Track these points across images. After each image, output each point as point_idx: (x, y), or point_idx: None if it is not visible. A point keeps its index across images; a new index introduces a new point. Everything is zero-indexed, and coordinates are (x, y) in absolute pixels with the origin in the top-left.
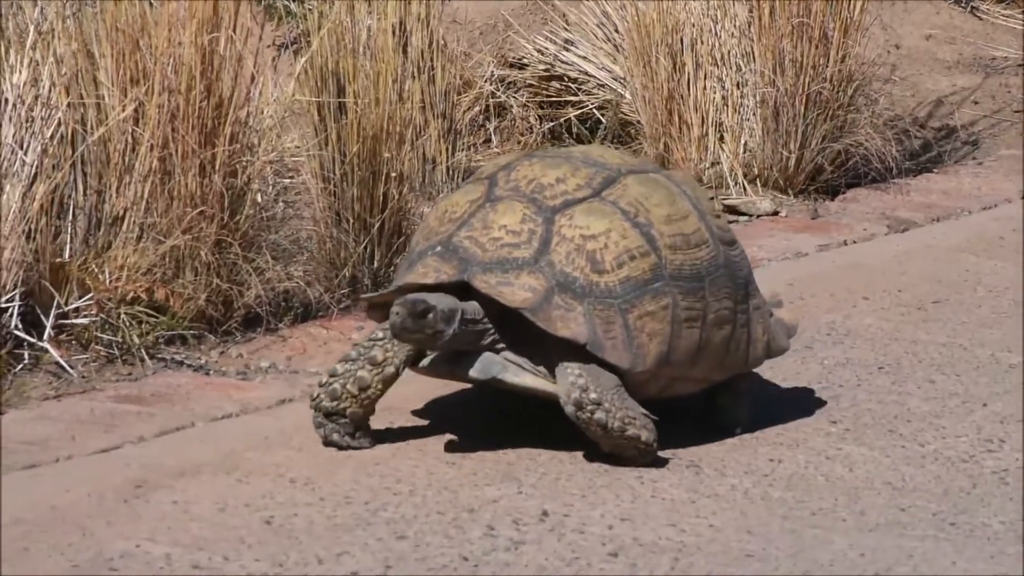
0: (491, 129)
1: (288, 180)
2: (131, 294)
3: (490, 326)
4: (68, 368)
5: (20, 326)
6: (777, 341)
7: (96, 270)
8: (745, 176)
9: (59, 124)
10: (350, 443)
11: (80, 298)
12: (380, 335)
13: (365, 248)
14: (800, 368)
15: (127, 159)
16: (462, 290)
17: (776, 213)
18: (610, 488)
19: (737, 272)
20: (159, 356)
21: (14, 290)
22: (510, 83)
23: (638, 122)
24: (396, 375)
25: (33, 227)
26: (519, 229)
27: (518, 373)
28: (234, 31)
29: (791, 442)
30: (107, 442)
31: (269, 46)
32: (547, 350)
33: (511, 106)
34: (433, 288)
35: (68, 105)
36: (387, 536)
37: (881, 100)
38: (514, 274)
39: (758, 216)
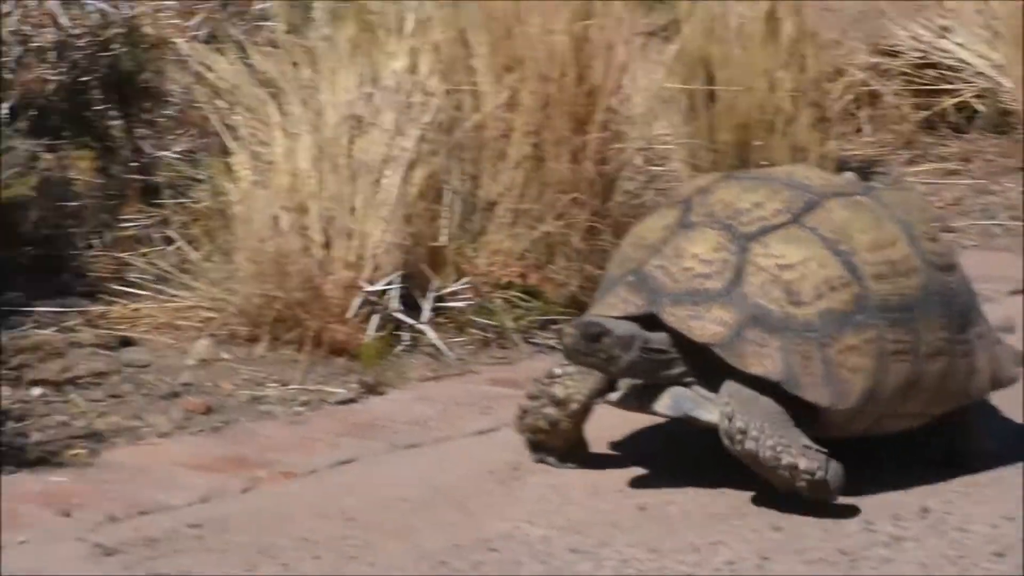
0: (862, 118)
1: (658, 168)
2: (505, 279)
3: (678, 357)
4: (445, 350)
5: (401, 308)
6: (1005, 370)
7: (471, 254)
8: None
9: (436, 111)
10: (566, 465)
11: (455, 281)
12: (558, 371)
13: None
14: None
15: (501, 145)
16: (653, 320)
17: None
18: (993, 486)
19: (954, 299)
20: (532, 340)
21: (394, 272)
22: (883, 71)
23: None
24: (585, 410)
25: (411, 211)
26: (711, 258)
27: (711, 410)
28: (606, 19)
29: None
30: (484, 424)
31: (639, 33)
32: (742, 382)
33: (883, 94)
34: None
35: (445, 92)
36: (763, 527)
37: None
38: (705, 307)
39: None
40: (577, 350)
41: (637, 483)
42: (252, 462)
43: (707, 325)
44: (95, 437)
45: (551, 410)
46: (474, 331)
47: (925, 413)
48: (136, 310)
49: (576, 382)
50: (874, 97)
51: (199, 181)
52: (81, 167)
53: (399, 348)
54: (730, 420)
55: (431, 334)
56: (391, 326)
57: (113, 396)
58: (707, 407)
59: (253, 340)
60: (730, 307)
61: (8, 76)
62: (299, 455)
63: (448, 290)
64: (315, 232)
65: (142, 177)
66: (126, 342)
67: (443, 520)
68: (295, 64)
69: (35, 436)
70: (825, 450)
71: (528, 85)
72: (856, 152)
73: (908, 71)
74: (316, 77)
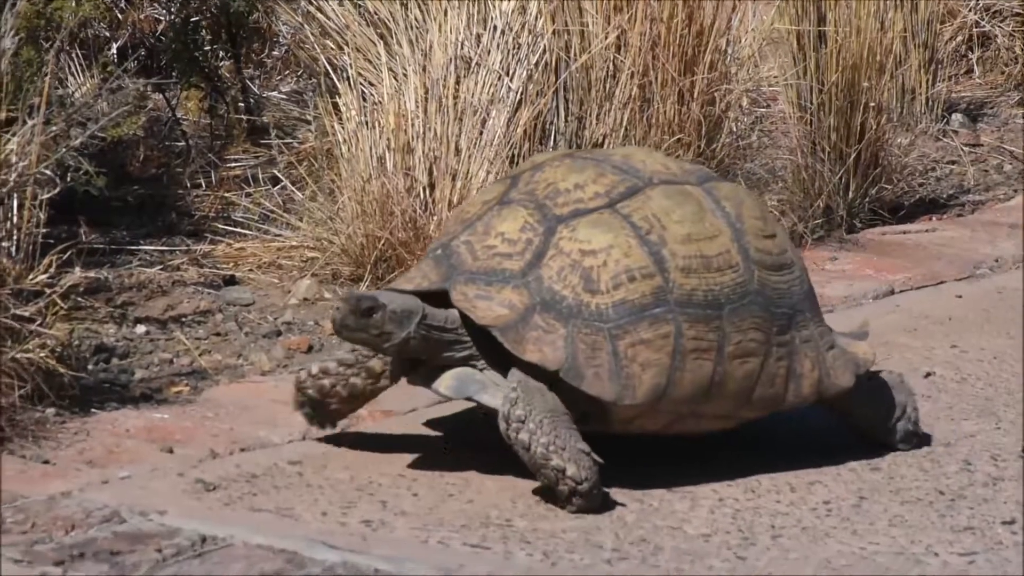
0: (973, 59)
1: (764, 109)
2: None
3: (467, 339)
4: None
5: None
6: (834, 377)
7: None
8: None
9: (544, 51)
10: (322, 425)
11: None
12: None
13: (840, 178)
14: None
15: (607, 86)
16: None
17: None
18: None
19: (778, 300)
20: None
21: None
22: (996, 12)
23: None
24: (386, 387)
25: (516, 152)
26: (516, 238)
27: (496, 395)
28: None
29: None
30: None
31: None
32: (529, 372)
33: (996, 36)
34: (423, 295)
35: (553, 32)
36: (860, 468)
37: None
38: (497, 287)
39: None
40: (346, 325)
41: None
42: None
43: (493, 307)
44: (198, 374)
45: (359, 380)
46: None
47: (733, 416)
48: (240, 249)
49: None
50: (986, 38)
51: (306, 121)
52: (189, 107)
53: None
54: (512, 405)
55: None
56: None
57: (216, 334)
58: (495, 393)
59: (355, 280)
60: (523, 290)
61: (118, 16)
62: (398, 394)
63: None
64: (420, 172)
65: (249, 117)
66: (230, 281)
67: None
68: (405, 5)
69: (139, 373)
70: (600, 460)
71: (637, 25)
72: (965, 94)
73: (1021, 11)
74: (425, 18)
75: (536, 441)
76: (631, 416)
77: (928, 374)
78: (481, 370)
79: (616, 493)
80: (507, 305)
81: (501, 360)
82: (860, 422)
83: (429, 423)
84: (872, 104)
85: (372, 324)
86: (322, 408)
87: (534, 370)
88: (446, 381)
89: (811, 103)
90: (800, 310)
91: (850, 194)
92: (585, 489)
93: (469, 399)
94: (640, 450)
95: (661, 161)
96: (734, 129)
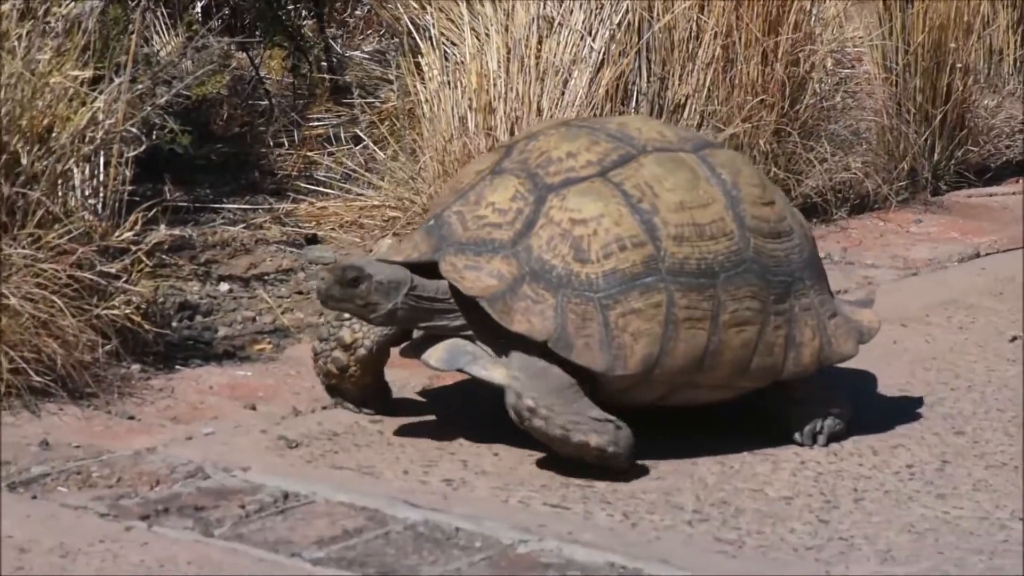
0: None
1: (849, 70)
2: None
3: (456, 309)
4: None
5: None
6: (836, 346)
7: None
8: None
9: (626, 11)
10: (363, 410)
11: None
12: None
13: (926, 140)
14: None
15: (690, 47)
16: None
17: None
18: None
19: (775, 268)
20: None
21: None
22: None
23: None
24: (370, 355)
25: (598, 112)
26: (507, 208)
27: (487, 366)
28: None
29: None
30: None
31: None
32: (520, 344)
33: None
34: (413, 265)
35: None
36: (944, 431)
37: None
38: (486, 257)
39: None
40: (332, 296)
41: None
42: None
43: (481, 277)
44: (280, 332)
45: (339, 354)
46: None
47: (731, 386)
48: (322, 208)
49: (365, 326)
50: None
51: (388, 81)
52: (272, 66)
53: None
54: (518, 397)
55: None
56: None
57: (298, 292)
58: (486, 364)
59: None
60: (512, 260)
61: None
62: None
63: None
64: (501, 132)
65: (332, 76)
66: (312, 240)
67: None
68: None
69: (222, 331)
70: (615, 419)
71: None
72: None
73: None
74: None
75: (552, 425)
76: (623, 387)
77: (1014, 338)
78: (474, 341)
79: (697, 455)
80: (495, 275)
81: (497, 331)
82: (791, 407)
83: None
84: (959, 65)
85: (358, 295)
86: (336, 392)
87: (536, 346)
88: (436, 353)
89: (897, 64)
90: (800, 278)
91: (935, 156)
92: (612, 451)
93: (460, 371)
94: (721, 414)
95: (657, 129)
96: (818, 90)
